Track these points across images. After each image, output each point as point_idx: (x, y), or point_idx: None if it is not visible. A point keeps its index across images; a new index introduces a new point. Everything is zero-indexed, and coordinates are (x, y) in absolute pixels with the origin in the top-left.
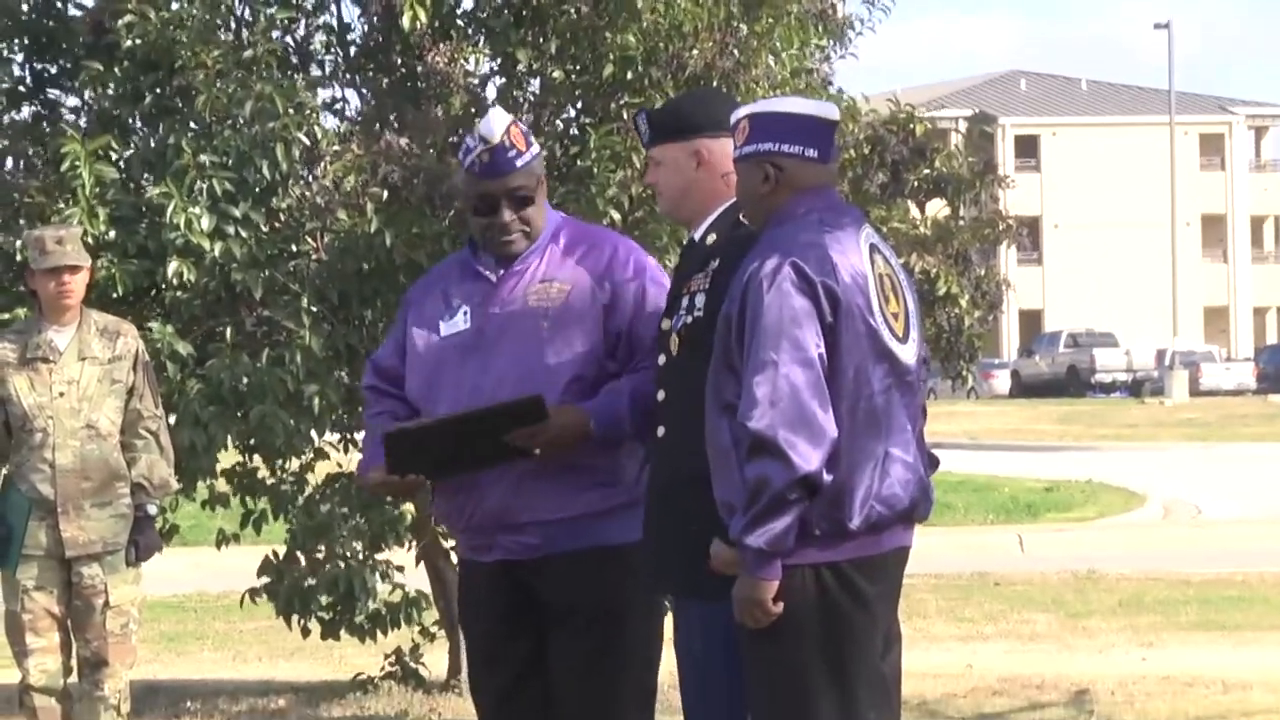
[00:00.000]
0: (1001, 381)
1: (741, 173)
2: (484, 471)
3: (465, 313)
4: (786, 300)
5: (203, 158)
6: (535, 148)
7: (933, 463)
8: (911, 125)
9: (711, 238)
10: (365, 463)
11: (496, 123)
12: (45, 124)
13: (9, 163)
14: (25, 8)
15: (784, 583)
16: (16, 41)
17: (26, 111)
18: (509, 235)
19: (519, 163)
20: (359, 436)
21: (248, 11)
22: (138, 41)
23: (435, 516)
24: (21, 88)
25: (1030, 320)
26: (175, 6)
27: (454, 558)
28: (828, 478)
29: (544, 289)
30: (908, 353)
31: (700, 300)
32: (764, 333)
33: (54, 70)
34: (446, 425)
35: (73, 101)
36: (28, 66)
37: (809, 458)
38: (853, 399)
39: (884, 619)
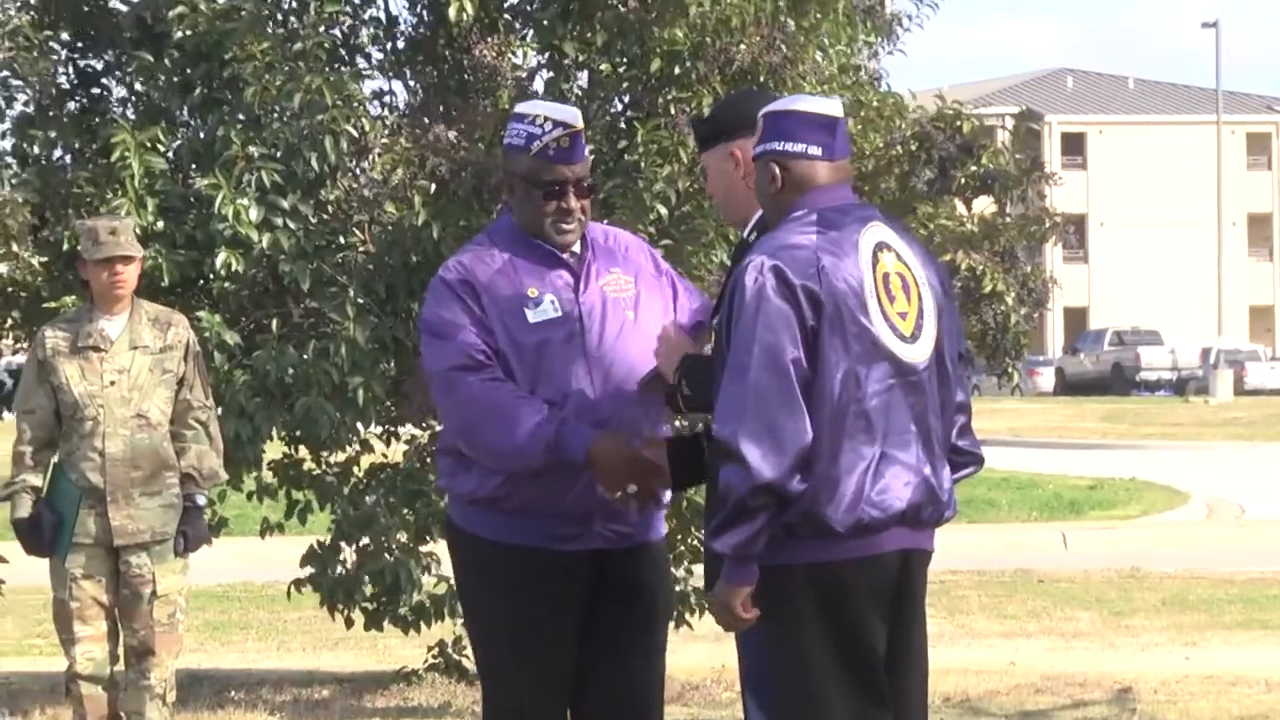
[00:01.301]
0: (1046, 379)
1: (756, 172)
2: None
3: (553, 301)
4: (764, 304)
5: (251, 149)
6: None
7: (974, 461)
8: (959, 123)
9: (753, 236)
10: (580, 441)
11: (568, 109)
12: (93, 117)
13: (56, 154)
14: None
15: (775, 581)
16: (64, 35)
17: (72, 105)
18: (572, 223)
19: (586, 152)
20: (404, 430)
21: (296, 4)
22: (188, 33)
23: (504, 506)
24: (66, 83)
25: (1075, 318)
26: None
27: None
28: (799, 485)
29: (614, 280)
30: (915, 352)
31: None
32: (740, 337)
33: (99, 65)
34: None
35: (119, 94)
36: (72, 62)
37: (771, 465)
38: (841, 402)
39: (886, 622)
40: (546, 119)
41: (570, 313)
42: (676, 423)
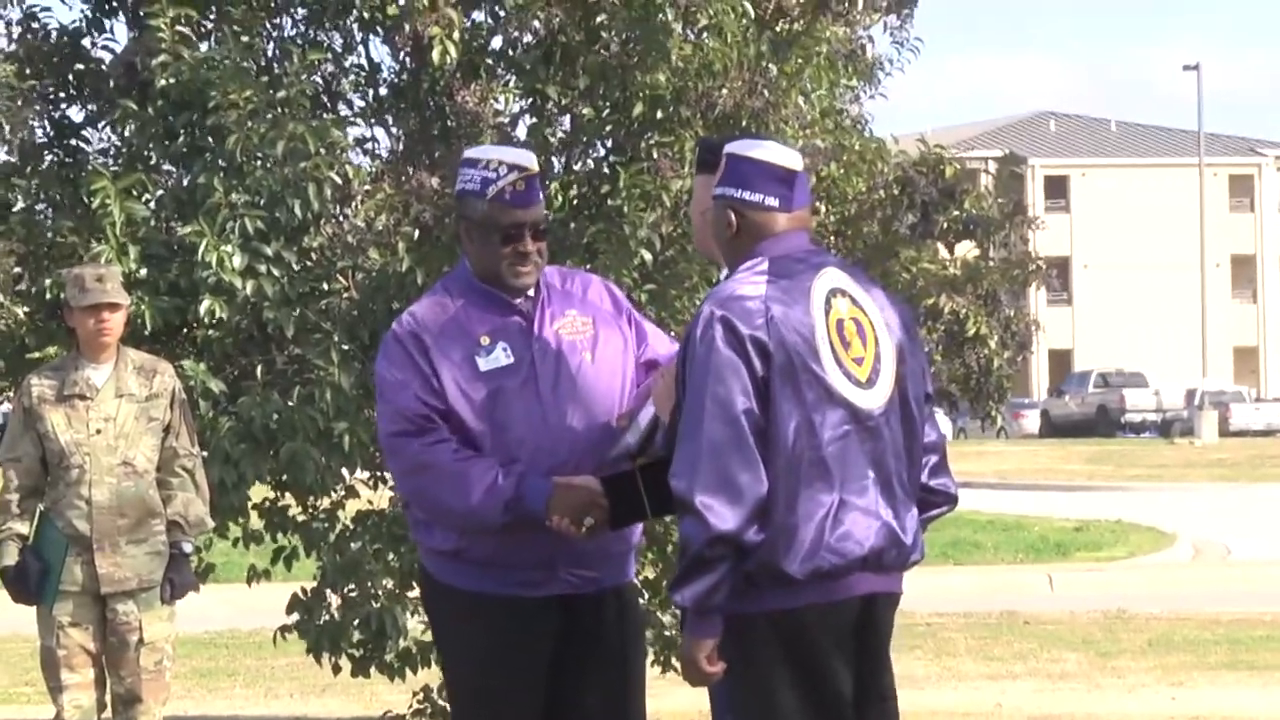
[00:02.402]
0: (1031, 421)
1: (714, 213)
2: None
3: (505, 349)
4: (714, 356)
5: (234, 196)
6: None
7: (947, 500)
8: (941, 167)
9: None
10: (539, 495)
11: (522, 151)
12: (75, 167)
13: (38, 205)
14: (52, 49)
15: (738, 630)
16: (48, 83)
17: (53, 156)
18: (528, 266)
19: (540, 195)
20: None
21: (279, 52)
22: (171, 82)
23: (467, 557)
24: (47, 133)
25: (1060, 360)
26: (205, 47)
27: None
28: (756, 536)
29: (569, 322)
30: (872, 398)
31: None
32: (692, 390)
33: (81, 115)
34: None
35: (101, 145)
36: (53, 112)
37: (726, 518)
38: (796, 450)
39: (851, 666)
40: (501, 163)
41: (523, 358)
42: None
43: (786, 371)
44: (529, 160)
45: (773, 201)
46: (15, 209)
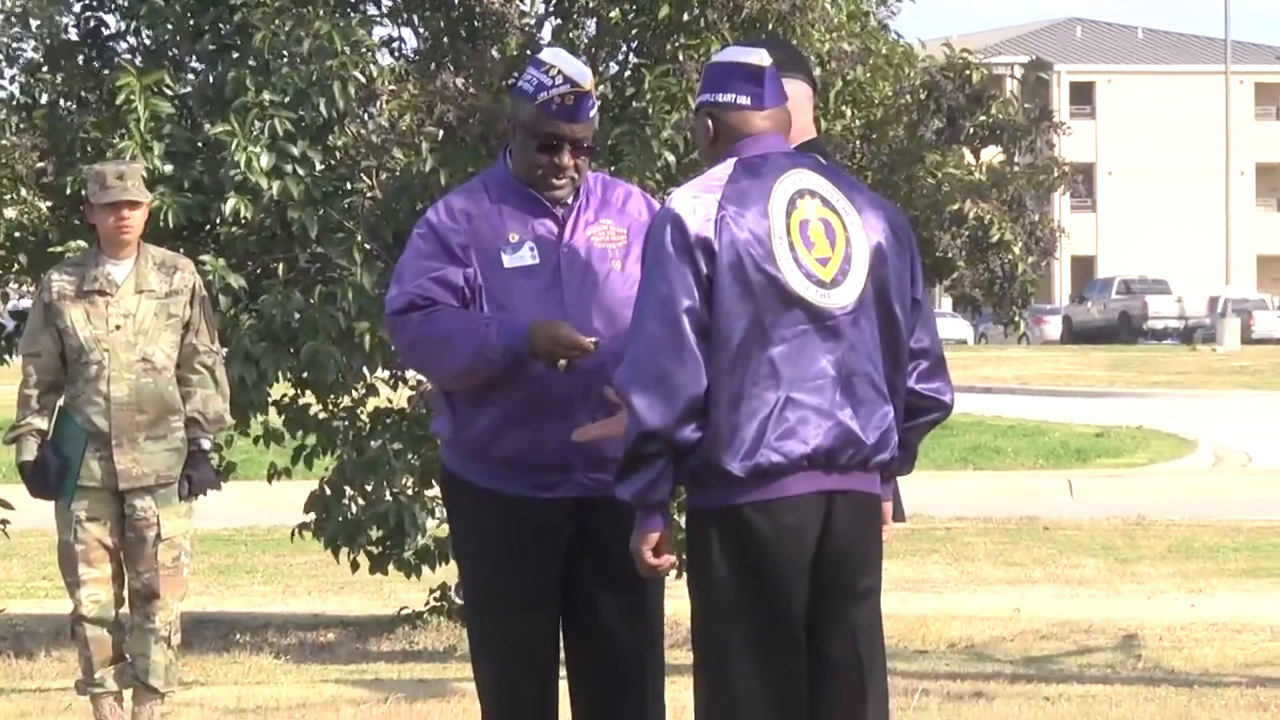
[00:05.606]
0: (1053, 327)
1: (696, 123)
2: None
3: (531, 248)
4: (660, 255)
5: (264, 95)
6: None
7: (937, 407)
8: (969, 72)
9: None
10: (518, 337)
11: (583, 68)
12: (100, 64)
13: (63, 101)
14: None
15: (688, 526)
16: None
17: (82, 55)
18: (563, 179)
19: (592, 112)
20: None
21: None
22: None
23: (491, 453)
24: (76, 31)
25: (1083, 266)
26: None
27: None
28: (692, 433)
29: (603, 230)
30: (835, 298)
31: None
32: (641, 287)
33: (108, 14)
34: None
35: (127, 41)
36: (82, 7)
37: (657, 414)
38: (742, 350)
39: (809, 565)
40: (559, 72)
41: (548, 261)
42: None
43: (736, 271)
44: (584, 77)
45: (744, 100)
46: (40, 104)
